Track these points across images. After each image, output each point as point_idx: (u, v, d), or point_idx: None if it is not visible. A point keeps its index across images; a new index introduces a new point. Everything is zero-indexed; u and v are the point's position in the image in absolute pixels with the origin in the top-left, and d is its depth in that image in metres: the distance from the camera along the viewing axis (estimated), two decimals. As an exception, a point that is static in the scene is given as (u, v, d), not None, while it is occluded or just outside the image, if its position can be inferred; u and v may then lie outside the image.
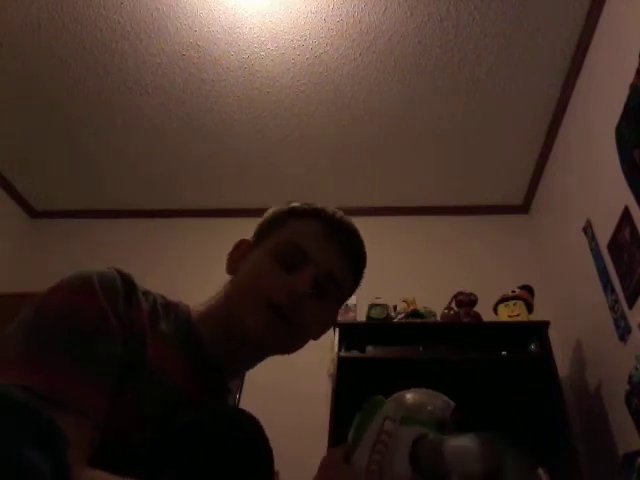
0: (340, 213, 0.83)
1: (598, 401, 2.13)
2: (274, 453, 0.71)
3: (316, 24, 2.23)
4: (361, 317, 2.44)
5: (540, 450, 2.16)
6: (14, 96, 2.61)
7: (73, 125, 2.74)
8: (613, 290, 2.02)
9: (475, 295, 2.42)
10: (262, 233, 0.82)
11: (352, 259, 0.80)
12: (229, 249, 0.90)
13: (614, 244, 2.02)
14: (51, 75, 2.49)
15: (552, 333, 2.25)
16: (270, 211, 0.87)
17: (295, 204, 0.84)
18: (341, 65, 2.40)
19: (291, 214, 0.82)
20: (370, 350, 2.28)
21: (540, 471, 1.88)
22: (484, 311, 2.40)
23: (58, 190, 3.17)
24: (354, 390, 2.17)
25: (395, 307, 2.47)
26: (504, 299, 2.40)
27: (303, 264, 0.74)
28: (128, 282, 0.69)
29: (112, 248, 3.08)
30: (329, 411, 2.09)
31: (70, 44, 2.35)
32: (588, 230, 2.26)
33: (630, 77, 1.82)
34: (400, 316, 2.42)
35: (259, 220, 0.86)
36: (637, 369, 1.81)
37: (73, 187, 3.12)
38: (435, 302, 2.48)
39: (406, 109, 2.58)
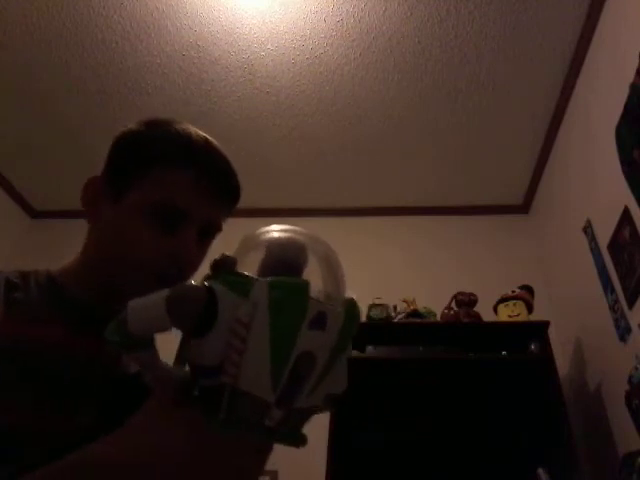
0: (208, 146, 0.73)
1: (598, 401, 2.13)
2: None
3: (316, 24, 2.23)
4: (361, 317, 2.44)
5: (540, 450, 2.16)
6: (14, 96, 2.61)
7: (73, 125, 2.74)
8: (613, 290, 2.02)
9: (475, 295, 2.42)
10: (120, 178, 0.70)
11: (229, 198, 0.75)
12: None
13: (614, 244, 2.02)
14: (51, 75, 2.49)
15: (552, 333, 2.25)
16: (122, 144, 0.73)
17: (155, 134, 0.72)
18: (341, 65, 2.40)
19: (157, 157, 0.69)
20: (370, 350, 2.28)
21: (540, 471, 1.88)
22: (484, 311, 2.40)
23: (58, 190, 3.17)
24: (354, 390, 2.17)
25: (395, 307, 2.47)
26: (504, 299, 2.40)
27: (182, 223, 0.68)
28: None
29: (112, 248, 3.07)
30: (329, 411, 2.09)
31: (70, 44, 2.35)
32: (588, 230, 2.26)
33: (630, 77, 1.82)
34: (400, 316, 2.42)
35: (110, 151, 0.75)
36: (637, 369, 1.81)
37: (73, 187, 3.10)
38: (435, 302, 2.48)
39: (406, 109, 2.58)
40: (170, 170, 0.69)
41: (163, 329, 0.43)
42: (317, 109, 2.60)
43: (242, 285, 0.43)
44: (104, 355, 0.67)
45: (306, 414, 0.44)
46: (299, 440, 0.45)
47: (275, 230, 0.47)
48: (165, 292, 0.43)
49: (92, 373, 0.65)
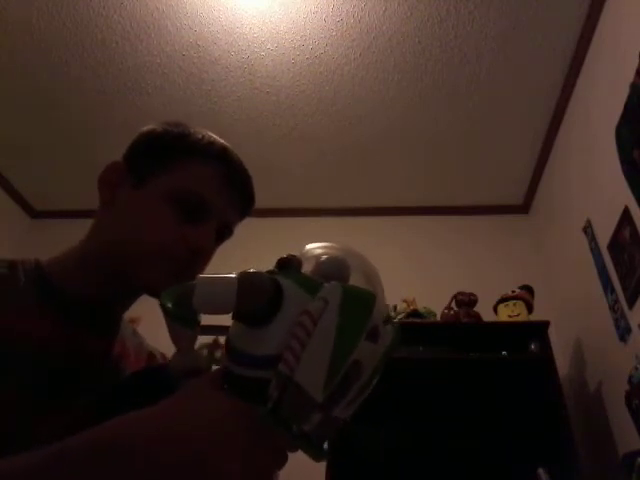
0: (233, 151, 0.73)
1: (598, 401, 2.13)
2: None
3: (316, 24, 2.23)
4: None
5: (540, 450, 2.16)
6: (14, 96, 2.61)
7: (73, 125, 2.74)
8: (613, 290, 2.02)
9: (475, 295, 2.42)
10: (144, 166, 0.70)
11: (247, 206, 0.75)
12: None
13: (614, 244, 2.02)
14: (51, 75, 2.49)
15: (552, 333, 2.26)
16: (150, 137, 0.73)
17: (184, 130, 0.72)
18: (341, 65, 2.39)
19: (185, 149, 0.69)
20: (370, 350, 2.27)
21: (540, 471, 1.88)
22: (484, 311, 2.40)
23: (58, 190, 3.17)
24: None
25: (395, 307, 2.47)
26: (504, 299, 2.40)
27: (205, 217, 0.67)
28: None
29: (112, 248, 3.07)
30: (329, 411, 2.09)
31: (70, 44, 2.35)
32: (588, 230, 2.26)
33: (630, 77, 1.82)
34: (400, 316, 2.42)
35: (135, 142, 0.75)
36: (637, 369, 1.81)
37: (73, 187, 3.12)
38: (435, 302, 2.48)
39: (406, 109, 2.58)
40: (202, 163, 0.68)
41: (225, 310, 0.42)
42: (317, 109, 2.60)
43: (309, 283, 0.43)
44: (95, 349, 0.65)
45: (336, 426, 0.42)
46: (322, 453, 0.43)
47: (321, 247, 0.49)
48: (234, 274, 0.42)
49: (81, 368, 0.62)
